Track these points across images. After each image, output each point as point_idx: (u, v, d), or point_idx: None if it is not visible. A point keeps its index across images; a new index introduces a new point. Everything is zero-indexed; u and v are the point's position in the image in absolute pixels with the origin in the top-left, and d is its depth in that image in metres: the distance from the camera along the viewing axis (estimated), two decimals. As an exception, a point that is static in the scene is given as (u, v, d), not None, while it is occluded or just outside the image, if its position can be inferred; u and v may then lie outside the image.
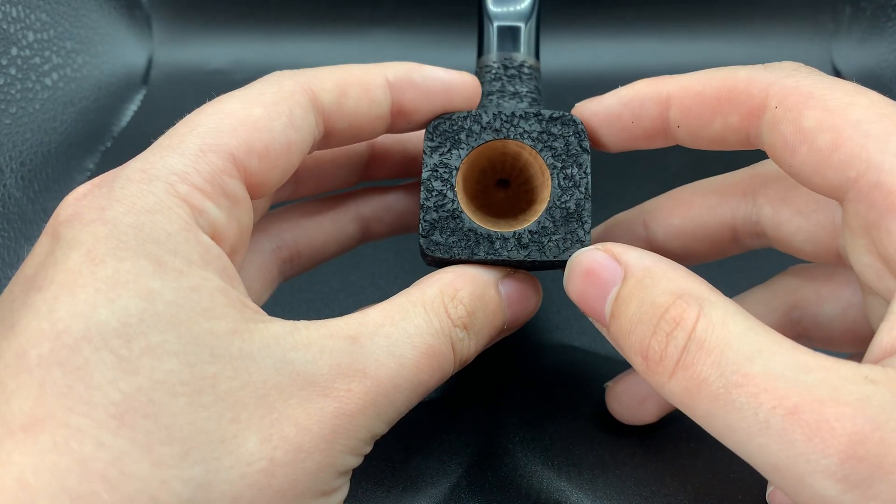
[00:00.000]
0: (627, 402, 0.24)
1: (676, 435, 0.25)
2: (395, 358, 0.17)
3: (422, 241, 0.20)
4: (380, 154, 0.25)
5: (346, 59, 0.45)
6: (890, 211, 0.16)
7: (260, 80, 0.19)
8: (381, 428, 0.17)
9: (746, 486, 0.24)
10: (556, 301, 0.30)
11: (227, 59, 0.46)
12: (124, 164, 0.17)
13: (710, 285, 0.17)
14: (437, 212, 0.20)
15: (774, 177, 0.22)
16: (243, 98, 0.18)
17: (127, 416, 0.13)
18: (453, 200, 0.20)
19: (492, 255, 0.20)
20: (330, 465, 0.16)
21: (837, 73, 0.44)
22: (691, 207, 0.23)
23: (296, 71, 0.19)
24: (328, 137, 0.20)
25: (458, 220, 0.20)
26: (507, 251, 0.20)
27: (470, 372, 0.27)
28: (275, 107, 0.18)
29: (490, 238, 0.20)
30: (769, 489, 0.22)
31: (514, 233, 0.20)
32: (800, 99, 0.17)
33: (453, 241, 0.20)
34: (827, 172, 0.17)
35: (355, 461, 0.17)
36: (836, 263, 0.21)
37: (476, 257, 0.20)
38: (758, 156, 0.21)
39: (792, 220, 0.21)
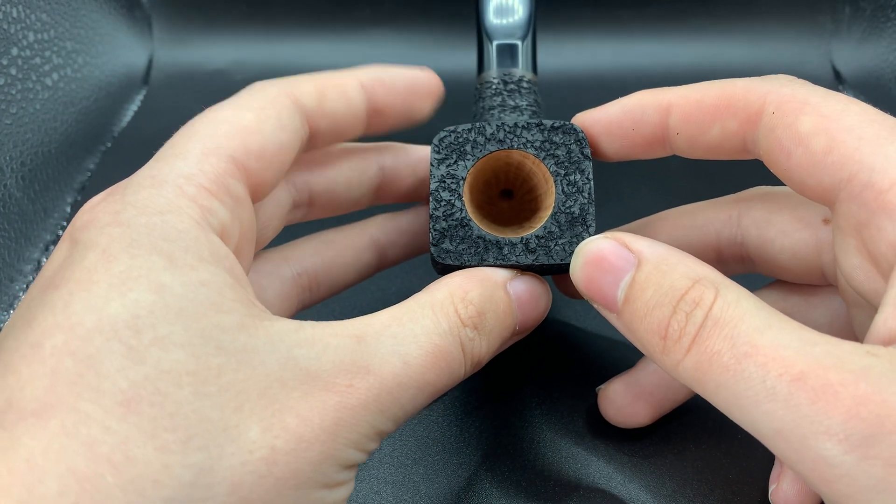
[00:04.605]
0: (620, 404, 0.24)
1: (676, 436, 0.25)
2: (399, 357, 0.17)
3: (433, 249, 0.20)
4: (390, 176, 0.26)
5: (347, 59, 0.45)
6: (881, 209, 0.16)
7: (245, 89, 0.21)
8: (387, 425, 0.17)
9: (746, 488, 0.24)
10: (555, 302, 0.30)
11: (227, 59, 0.46)
12: (134, 174, 0.18)
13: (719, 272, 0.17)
14: (447, 221, 0.21)
15: (758, 200, 0.23)
16: (233, 105, 0.19)
17: (133, 403, 0.14)
18: (461, 209, 0.21)
19: (500, 261, 0.20)
20: (332, 457, 0.16)
21: (837, 73, 0.45)
22: (678, 228, 0.24)
23: (277, 79, 0.21)
24: (313, 137, 0.22)
25: (466, 227, 0.21)
26: (516, 256, 0.20)
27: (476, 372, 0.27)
28: (263, 111, 0.19)
29: (498, 244, 0.20)
30: (771, 487, 0.22)
31: (522, 238, 0.20)
32: (796, 105, 0.18)
33: (463, 249, 0.20)
34: (820, 174, 0.18)
35: (359, 456, 0.17)
36: (820, 282, 0.22)
37: (485, 263, 0.20)
38: (747, 165, 0.21)
39: (776, 240, 0.22)
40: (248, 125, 0.19)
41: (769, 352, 0.15)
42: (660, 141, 0.21)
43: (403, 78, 0.23)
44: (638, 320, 0.17)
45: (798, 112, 0.18)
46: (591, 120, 0.22)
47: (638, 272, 0.18)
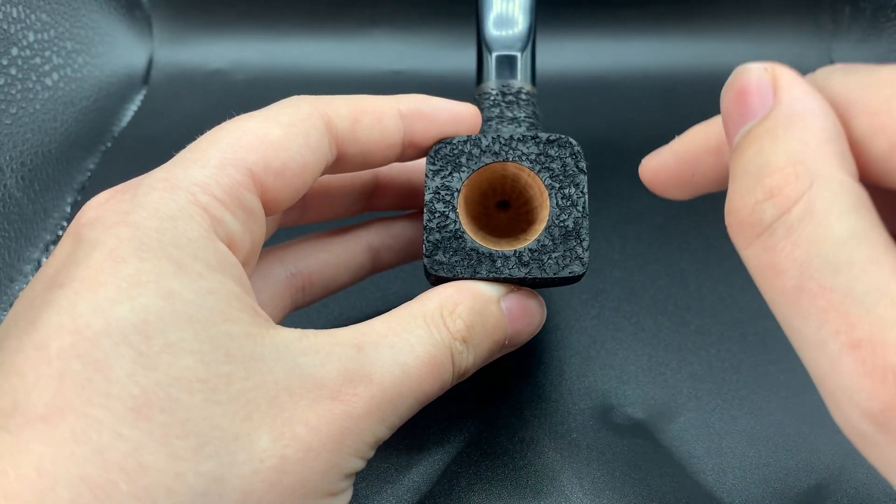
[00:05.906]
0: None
1: (675, 436, 0.25)
2: (399, 366, 0.17)
3: (426, 260, 0.20)
4: (384, 184, 0.26)
5: (346, 59, 0.45)
6: None
7: (279, 102, 0.20)
8: (385, 433, 0.17)
9: (746, 487, 0.24)
10: (553, 303, 0.30)
11: (227, 59, 0.46)
12: (147, 174, 0.17)
13: (852, 159, 0.14)
14: (440, 232, 0.21)
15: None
16: (262, 118, 0.19)
17: (144, 409, 0.14)
18: (455, 221, 0.21)
19: (493, 274, 0.20)
20: (337, 466, 0.16)
21: (837, 73, 0.44)
22: None
23: (313, 97, 0.20)
24: (340, 162, 0.21)
25: (460, 240, 0.20)
26: (509, 269, 0.20)
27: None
28: (292, 128, 0.19)
29: (491, 257, 0.20)
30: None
31: (515, 251, 0.20)
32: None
33: (456, 261, 0.20)
34: None
35: (360, 464, 0.17)
36: None
37: (478, 276, 0.20)
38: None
39: None
40: (273, 140, 0.18)
41: (836, 299, 0.12)
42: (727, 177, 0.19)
43: (446, 112, 0.22)
44: (734, 178, 0.15)
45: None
46: (651, 172, 0.20)
47: (759, 124, 0.15)
